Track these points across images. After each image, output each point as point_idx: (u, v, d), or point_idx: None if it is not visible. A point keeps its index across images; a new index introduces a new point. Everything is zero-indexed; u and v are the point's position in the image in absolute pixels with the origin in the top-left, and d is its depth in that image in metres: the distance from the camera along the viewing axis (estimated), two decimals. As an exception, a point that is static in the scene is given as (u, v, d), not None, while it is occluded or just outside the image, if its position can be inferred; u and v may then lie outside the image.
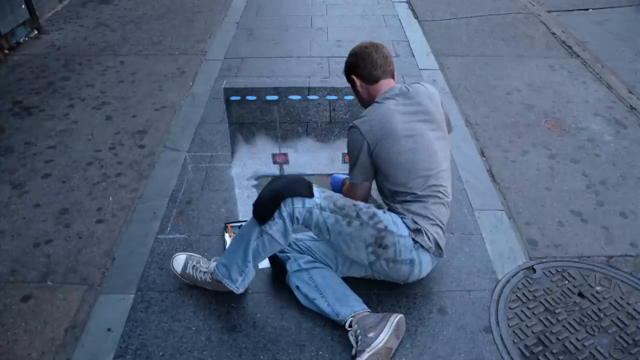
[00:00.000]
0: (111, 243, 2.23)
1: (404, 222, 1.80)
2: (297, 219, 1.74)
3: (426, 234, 1.80)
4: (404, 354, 1.76)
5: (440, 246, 1.85)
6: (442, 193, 1.87)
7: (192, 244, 2.21)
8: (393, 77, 1.98)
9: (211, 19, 4.56)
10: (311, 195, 1.74)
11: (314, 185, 1.77)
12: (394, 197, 1.87)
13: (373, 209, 1.79)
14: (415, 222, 1.80)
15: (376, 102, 1.91)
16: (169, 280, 2.04)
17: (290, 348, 1.79)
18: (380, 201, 2.04)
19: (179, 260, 1.99)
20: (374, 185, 1.99)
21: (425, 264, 1.85)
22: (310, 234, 1.95)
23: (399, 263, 1.80)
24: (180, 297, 1.96)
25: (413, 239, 1.79)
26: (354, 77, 1.96)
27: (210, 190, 2.53)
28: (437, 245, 1.84)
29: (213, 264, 1.91)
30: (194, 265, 1.95)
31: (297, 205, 1.72)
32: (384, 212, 1.82)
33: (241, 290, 1.88)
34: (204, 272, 1.92)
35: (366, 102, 1.99)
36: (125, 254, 2.17)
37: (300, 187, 1.74)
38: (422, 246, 1.80)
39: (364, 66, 1.93)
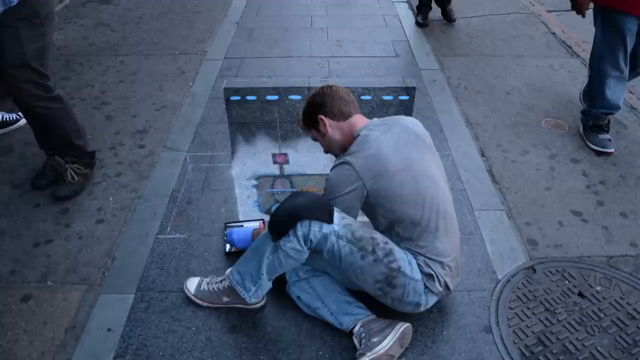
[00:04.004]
0: (111, 243, 2.23)
1: (418, 264, 1.71)
2: (311, 241, 1.65)
3: (438, 279, 1.73)
4: (404, 353, 1.76)
5: (449, 287, 1.78)
6: (452, 218, 1.79)
7: (192, 244, 2.21)
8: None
9: (211, 19, 4.56)
10: (331, 221, 1.65)
11: (335, 210, 1.67)
12: (402, 239, 1.73)
13: (391, 245, 1.69)
14: (428, 266, 1.71)
15: (359, 135, 1.76)
16: (169, 280, 2.04)
17: (290, 348, 1.79)
18: None
19: (193, 280, 1.97)
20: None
21: (430, 304, 1.80)
22: None
23: (405, 303, 1.75)
24: (180, 297, 1.96)
25: (424, 284, 1.71)
26: (322, 117, 1.82)
27: (210, 190, 2.53)
28: (446, 288, 1.77)
29: (229, 271, 1.89)
30: (208, 281, 1.93)
31: (314, 229, 1.64)
32: (402, 249, 1.72)
33: (254, 301, 1.85)
34: (220, 281, 1.89)
35: (339, 143, 1.84)
36: (125, 254, 2.17)
37: (321, 211, 1.65)
38: (431, 291, 1.74)
39: (332, 104, 1.81)
